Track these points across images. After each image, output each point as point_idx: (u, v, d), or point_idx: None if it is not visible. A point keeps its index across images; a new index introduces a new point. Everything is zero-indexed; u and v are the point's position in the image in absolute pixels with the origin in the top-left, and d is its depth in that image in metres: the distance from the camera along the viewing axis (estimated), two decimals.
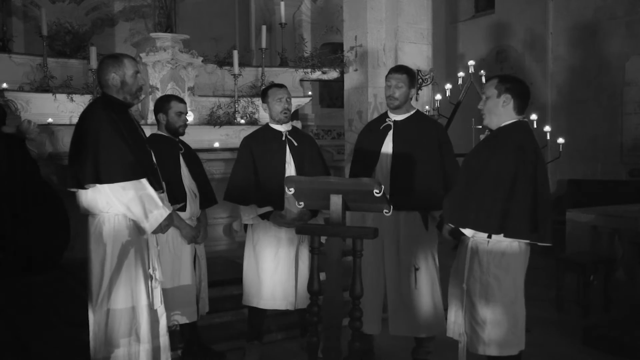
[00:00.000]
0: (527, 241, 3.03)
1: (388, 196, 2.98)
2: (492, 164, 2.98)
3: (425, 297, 3.74)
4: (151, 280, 3.15)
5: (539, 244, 2.99)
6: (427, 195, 3.66)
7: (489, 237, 3.01)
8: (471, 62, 6.11)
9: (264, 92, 4.10)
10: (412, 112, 3.86)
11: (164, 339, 3.22)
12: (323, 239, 3.04)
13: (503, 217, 2.91)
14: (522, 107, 3.11)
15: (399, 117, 3.84)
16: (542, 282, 5.56)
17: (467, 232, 3.07)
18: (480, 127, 4.54)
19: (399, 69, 3.89)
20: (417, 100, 6.27)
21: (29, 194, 4.74)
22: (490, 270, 3.03)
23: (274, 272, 3.93)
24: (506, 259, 3.03)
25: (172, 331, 4.10)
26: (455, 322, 3.23)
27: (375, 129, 3.92)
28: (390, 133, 3.82)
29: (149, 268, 3.15)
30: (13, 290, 4.71)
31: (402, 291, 3.74)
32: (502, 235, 2.96)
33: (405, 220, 3.74)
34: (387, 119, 3.88)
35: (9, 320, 4.40)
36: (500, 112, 3.10)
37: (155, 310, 3.17)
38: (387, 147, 3.81)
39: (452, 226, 3.17)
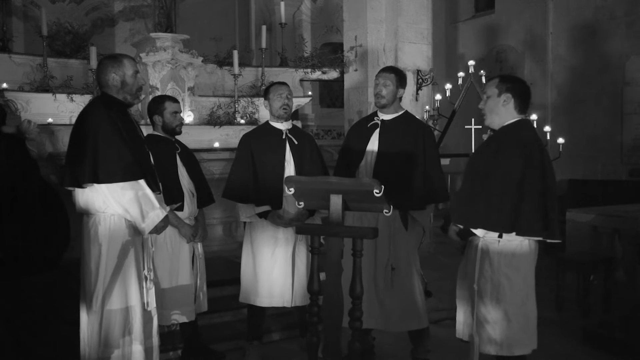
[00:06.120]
0: (537, 239, 3.03)
1: None
2: (499, 163, 2.98)
3: (399, 294, 3.71)
4: (146, 281, 3.14)
5: (549, 240, 2.99)
6: (407, 195, 3.67)
7: (500, 236, 3.01)
8: (471, 62, 6.11)
9: (266, 90, 4.12)
10: (400, 113, 3.89)
11: (155, 340, 3.22)
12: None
13: (514, 216, 2.91)
14: (523, 106, 3.12)
15: (387, 117, 3.87)
16: (542, 282, 5.54)
17: (479, 232, 3.06)
18: (481, 127, 4.54)
19: (387, 69, 3.95)
20: (417, 100, 6.29)
21: (29, 194, 4.74)
22: (501, 269, 3.03)
23: (271, 270, 3.92)
24: (517, 258, 3.03)
25: (172, 331, 4.11)
26: (465, 323, 3.22)
27: (363, 128, 3.94)
28: (377, 132, 3.84)
29: (143, 269, 3.14)
30: (13, 290, 4.71)
31: (377, 288, 3.72)
32: (513, 234, 2.96)
33: (384, 219, 3.70)
34: (375, 118, 3.91)
35: (9, 320, 4.39)
36: (501, 112, 3.11)
37: (149, 311, 3.16)
38: (373, 145, 3.83)
39: (461, 227, 3.16)
